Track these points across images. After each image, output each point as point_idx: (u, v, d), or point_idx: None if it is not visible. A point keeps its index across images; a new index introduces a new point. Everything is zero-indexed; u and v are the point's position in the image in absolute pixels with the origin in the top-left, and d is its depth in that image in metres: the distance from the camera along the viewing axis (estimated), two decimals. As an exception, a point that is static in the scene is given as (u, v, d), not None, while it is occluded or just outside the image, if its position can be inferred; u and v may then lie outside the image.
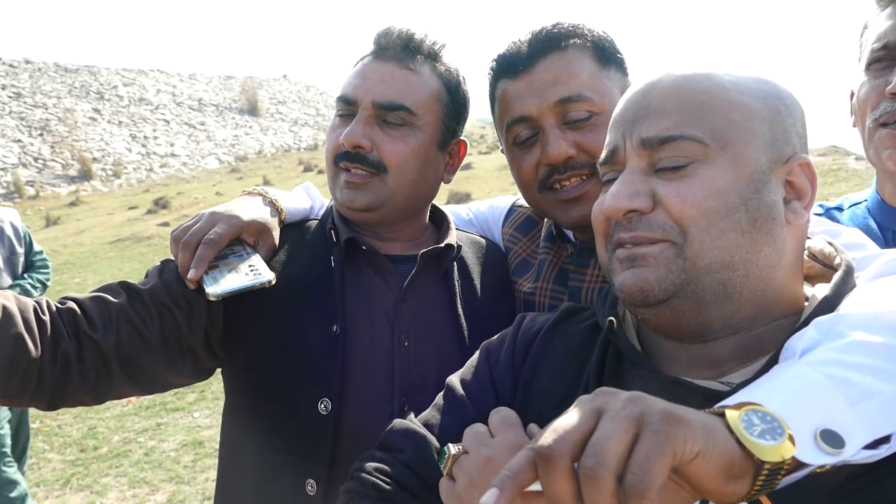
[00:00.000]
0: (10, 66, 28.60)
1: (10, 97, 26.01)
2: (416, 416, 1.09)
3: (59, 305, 1.20)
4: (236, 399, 1.39)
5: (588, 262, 1.39)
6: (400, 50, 1.36)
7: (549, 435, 0.60)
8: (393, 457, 1.01)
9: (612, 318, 0.96)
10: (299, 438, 1.27)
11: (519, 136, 1.33)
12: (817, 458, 0.62)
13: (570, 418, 0.62)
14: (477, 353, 1.13)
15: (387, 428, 1.06)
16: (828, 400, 0.66)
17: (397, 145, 1.32)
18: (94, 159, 24.04)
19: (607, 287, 1.05)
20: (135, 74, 32.93)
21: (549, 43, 1.29)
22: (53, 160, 23.20)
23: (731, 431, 0.62)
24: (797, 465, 0.63)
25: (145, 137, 27.06)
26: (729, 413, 0.63)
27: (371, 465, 1.01)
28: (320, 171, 22.16)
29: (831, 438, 0.63)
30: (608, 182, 0.93)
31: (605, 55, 1.32)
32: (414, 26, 1.39)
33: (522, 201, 1.67)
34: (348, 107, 1.36)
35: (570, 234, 1.46)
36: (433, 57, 1.39)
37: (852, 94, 1.37)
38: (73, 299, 1.22)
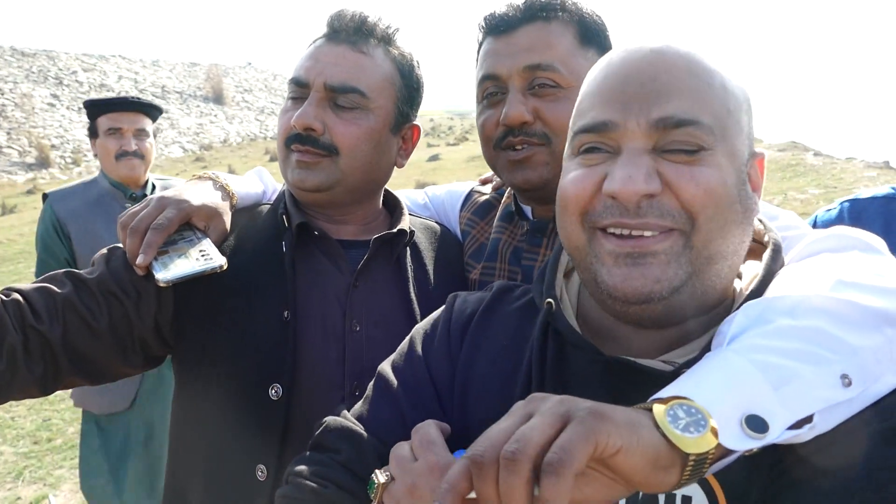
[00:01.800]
0: (-36, 48, 27.70)
1: (-37, 81, 25.20)
2: (344, 411, 1.05)
3: (4, 297, 1.15)
4: (186, 386, 1.36)
5: (541, 241, 1.40)
6: (353, 33, 1.34)
7: (481, 443, 0.62)
8: (329, 457, 0.97)
9: (550, 301, 0.94)
10: (250, 424, 1.25)
11: (487, 90, 1.36)
12: (743, 443, 0.65)
13: (501, 424, 0.64)
14: (408, 337, 1.09)
15: (320, 425, 1.02)
16: (752, 386, 0.68)
17: (349, 128, 1.31)
18: (53, 146, 23.46)
19: (543, 266, 1.02)
20: (95, 60, 32.16)
21: (535, 11, 1.31)
22: (10, 147, 22.57)
23: (657, 426, 0.64)
24: (726, 451, 0.66)
25: (106, 124, 26.47)
26: (656, 408, 0.66)
27: (307, 468, 0.97)
28: (286, 161, 21.88)
29: (756, 423, 0.65)
30: (587, 152, 0.86)
31: (589, 34, 1.33)
32: (367, 9, 1.38)
33: (480, 187, 1.67)
34: (300, 89, 1.34)
35: (528, 211, 1.46)
36: (386, 41, 1.38)
37: None
38: (18, 290, 1.18)
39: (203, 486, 1.30)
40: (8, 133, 23.22)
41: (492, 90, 1.35)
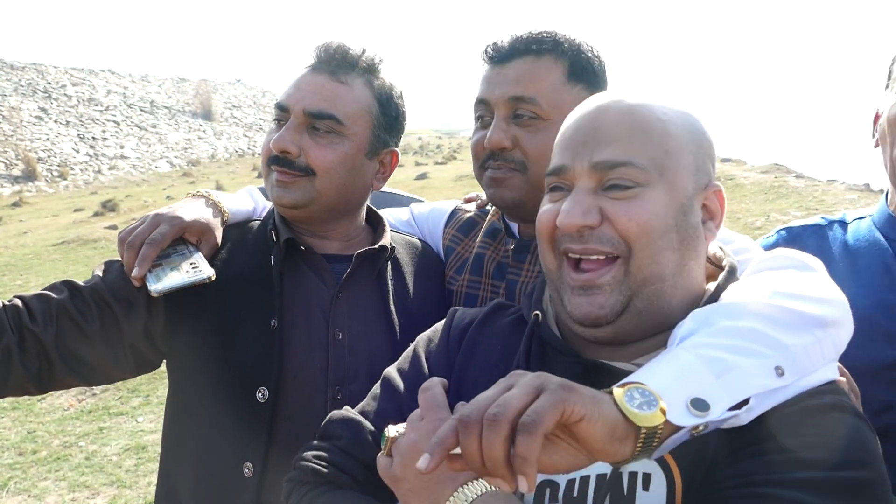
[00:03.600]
0: (-48, 61, 27.66)
1: (-49, 93, 25.15)
2: (352, 406, 1.19)
3: (6, 303, 1.28)
4: (179, 390, 1.46)
5: (525, 258, 1.51)
6: (334, 63, 1.45)
7: (468, 406, 0.76)
8: (331, 444, 1.11)
9: (537, 312, 1.09)
10: (238, 424, 1.35)
11: (478, 113, 1.49)
12: (689, 420, 0.78)
13: (486, 393, 0.77)
14: (412, 345, 1.22)
15: (325, 419, 1.16)
16: (698, 375, 0.82)
17: (324, 152, 1.41)
18: (40, 159, 23.42)
19: (533, 284, 1.18)
20: (84, 74, 32.20)
21: (527, 45, 1.43)
22: (-4, 159, 22.48)
23: (616, 404, 0.77)
24: (674, 428, 0.79)
25: (94, 138, 26.49)
26: (616, 390, 0.79)
27: (310, 453, 1.11)
28: (274, 177, 21.91)
29: (700, 405, 0.79)
30: (553, 190, 1.04)
31: (579, 71, 1.44)
32: (352, 41, 1.49)
33: (464, 205, 1.77)
34: (283, 113, 1.45)
35: (515, 229, 1.57)
36: (368, 71, 1.49)
37: (877, 117, 1.46)
38: (20, 297, 1.31)
39: (193, 482, 1.39)
40: (-5, 146, 23.15)
41: (481, 114, 1.47)
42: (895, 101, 1.39)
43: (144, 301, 1.36)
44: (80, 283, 1.37)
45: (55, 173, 23.31)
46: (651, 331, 1.00)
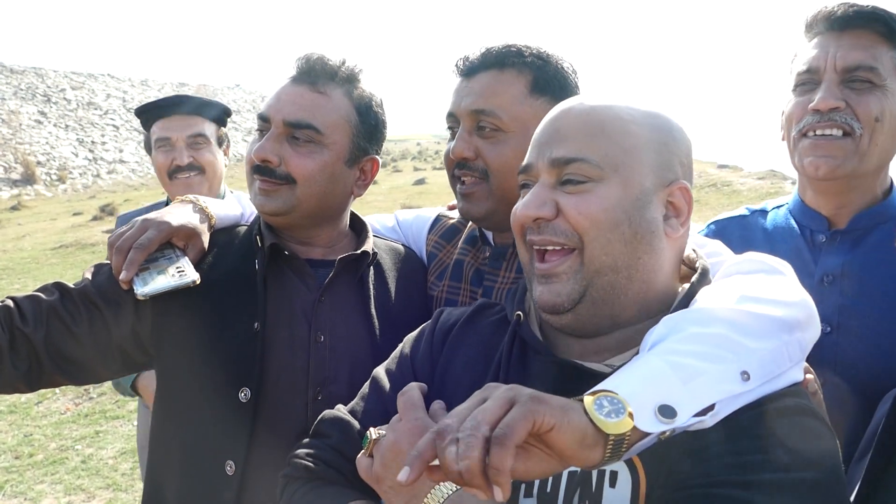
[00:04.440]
0: (-48, 65, 27.70)
1: (-50, 97, 25.18)
2: (339, 405, 1.24)
3: None
4: (165, 391, 1.50)
5: (501, 265, 1.55)
6: (313, 74, 1.50)
7: (445, 420, 0.80)
8: (322, 442, 1.17)
9: (519, 313, 1.14)
10: (221, 423, 1.40)
11: (448, 125, 1.55)
12: (656, 426, 0.82)
13: (462, 406, 0.82)
14: (400, 345, 1.28)
15: (318, 418, 1.22)
16: (665, 381, 0.85)
17: (303, 160, 1.46)
18: (39, 163, 23.44)
19: (515, 286, 1.23)
20: (84, 78, 32.24)
21: (491, 59, 1.48)
22: (-5, 163, 22.51)
23: (585, 412, 0.81)
24: (642, 435, 0.82)
25: (93, 143, 26.54)
26: (586, 398, 0.83)
27: (303, 451, 1.17)
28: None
29: (667, 411, 0.83)
30: (523, 187, 1.10)
31: (543, 84, 1.47)
32: (332, 52, 1.53)
33: (448, 212, 1.81)
34: (264, 123, 1.50)
35: (490, 237, 1.61)
36: (348, 81, 1.53)
37: (783, 114, 1.59)
38: (12, 298, 1.36)
39: (178, 479, 1.44)
40: (-6, 150, 23.17)
41: (451, 125, 1.53)
42: (791, 99, 1.53)
43: (132, 304, 1.41)
44: (71, 285, 1.42)
45: (54, 177, 23.34)
46: (610, 321, 1.05)
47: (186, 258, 1.45)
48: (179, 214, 1.51)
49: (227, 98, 38.23)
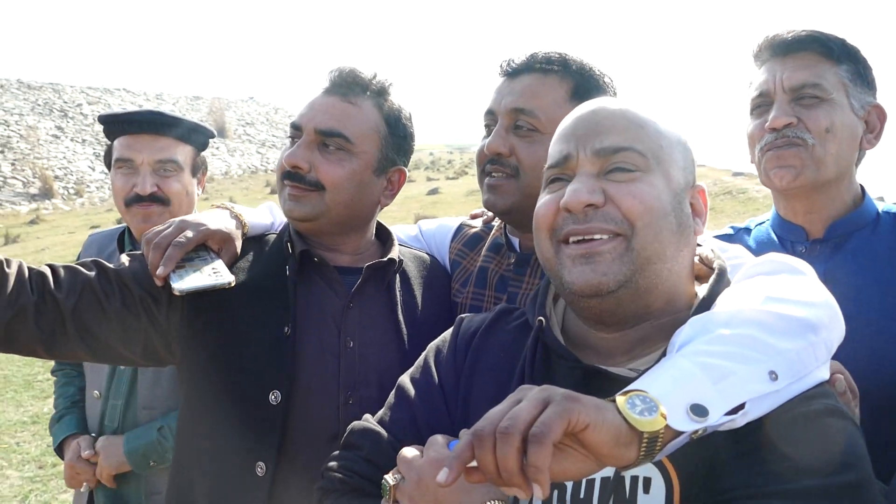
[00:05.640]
0: (-28, 82, 28.15)
1: (-30, 113, 25.57)
2: (363, 411, 1.27)
3: (33, 267, 1.38)
4: (192, 392, 1.54)
5: (525, 271, 1.59)
6: (345, 86, 1.55)
7: (481, 421, 0.82)
8: (354, 453, 1.19)
9: (541, 318, 1.15)
10: (251, 426, 1.44)
11: (485, 122, 1.60)
12: (688, 425, 0.84)
13: (497, 408, 0.84)
14: (423, 354, 1.30)
15: (347, 430, 1.24)
16: (696, 381, 0.87)
17: (333, 168, 1.51)
18: (56, 177, 23.72)
19: (535, 291, 1.24)
20: (100, 93, 32.64)
21: (535, 63, 1.54)
22: (14, 178, 22.82)
23: (619, 411, 0.83)
24: (675, 433, 0.84)
25: (109, 156, 26.77)
26: (618, 398, 0.85)
27: (336, 463, 1.19)
28: (287, 193, 22.06)
29: (699, 410, 0.84)
30: (554, 181, 1.11)
31: (582, 93, 1.52)
32: (363, 65, 1.58)
33: (470, 221, 1.85)
34: (296, 132, 1.56)
35: (516, 244, 1.64)
36: (378, 93, 1.58)
37: (747, 137, 1.68)
38: (50, 265, 1.41)
39: (207, 481, 1.47)
40: (13, 164, 23.51)
41: (488, 122, 1.58)
42: (750, 122, 1.64)
43: (165, 298, 1.45)
44: (109, 265, 1.46)
45: (71, 191, 23.60)
46: (643, 311, 1.06)
47: (221, 261, 1.49)
48: (216, 219, 1.56)
49: (241, 110, 38.56)
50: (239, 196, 21.37)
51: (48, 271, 1.38)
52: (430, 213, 14.36)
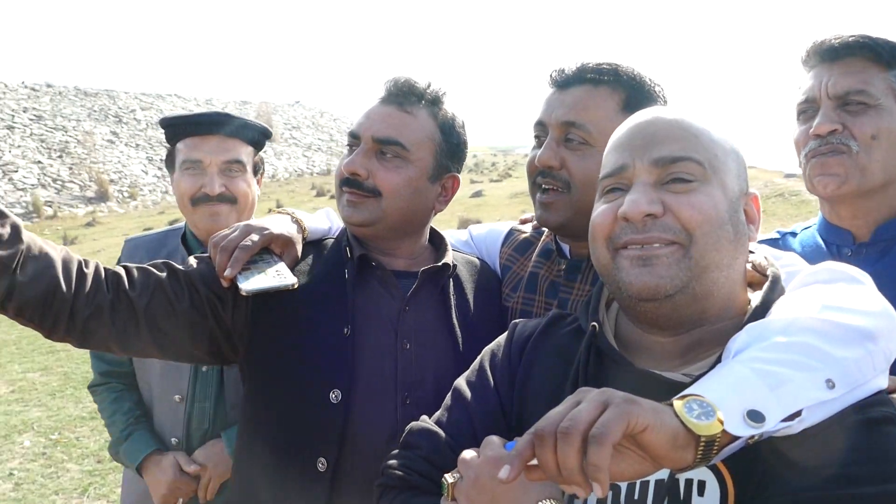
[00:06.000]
0: (32, 89, 29.27)
1: (31, 119, 26.60)
2: (420, 412, 1.31)
3: (109, 268, 1.44)
4: (256, 387, 1.60)
5: (576, 278, 1.60)
6: (401, 95, 1.60)
7: (542, 422, 0.85)
8: (413, 453, 1.23)
9: (594, 324, 1.16)
10: (312, 423, 1.48)
11: (535, 133, 1.60)
12: (745, 430, 0.84)
13: (557, 409, 0.86)
14: (479, 357, 1.33)
15: (406, 430, 1.28)
16: (752, 388, 0.88)
17: (390, 174, 1.56)
18: (111, 181, 24.48)
19: (588, 297, 1.26)
20: (152, 99, 33.58)
21: (586, 75, 1.54)
22: (72, 181, 23.64)
23: (676, 415, 0.84)
24: (731, 438, 0.85)
25: (161, 160, 27.50)
26: (675, 402, 0.86)
27: (396, 462, 1.23)
28: (332, 197, 22.41)
29: (755, 416, 0.85)
30: (610, 192, 1.12)
31: (634, 104, 1.51)
32: (418, 74, 1.63)
33: (520, 226, 1.86)
34: (354, 140, 1.61)
35: (566, 250, 1.65)
36: (433, 102, 1.63)
37: (794, 143, 1.67)
38: (125, 266, 1.48)
39: (269, 473, 1.53)
40: (70, 168, 24.35)
41: (538, 134, 1.59)
42: (797, 128, 1.62)
43: (231, 299, 1.51)
44: (179, 266, 1.52)
45: (125, 194, 24.32)
46: (699, 317, 1.07)
47: (283, 263, 1.55)
48: (279, 223, 1.62)
49: (287, 114, 39.20)
50: (285, 199, 21.74)
51: (122, 272, 1.45)
52: (474, 216, 14.38)
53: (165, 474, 2.05)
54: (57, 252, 1.34)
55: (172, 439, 2.12)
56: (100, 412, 2.26)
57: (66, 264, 1.34)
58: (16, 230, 1.25)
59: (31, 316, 1.30)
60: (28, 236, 1.28)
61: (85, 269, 1.38)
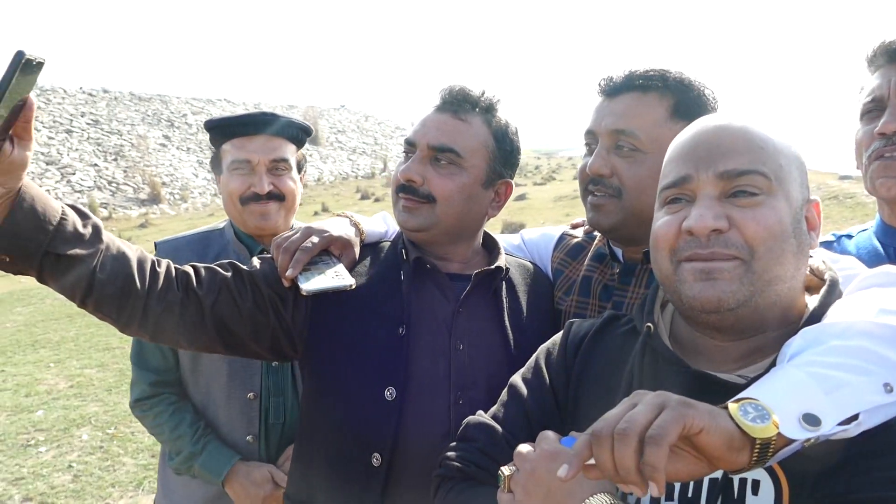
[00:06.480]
0: (89, 94, 30.30)
1: (88, 124, 27.53)
2: (473, 412, 1.34)
3: (179, 267, 1.51)
4: (314, 385, 1.65)
5: (630, 281, 1.61)
6: (456, 103, 1.63)
7: (600, 423, 0.87)
8: (470, 445, 1.26)
9: (649, 325, 1.17)
10: (368, 418, 1.53)
11: (585, 141, 1.61)
12: (801, 434, 0.85)
13: (614, 411, 0.88)
14: (535, 355, 1.35)
15: (463, 423, 1.31)
16: (808, 391, 0.88)
17: (445, 181, 1.59)
18: (164, 184, 25.16)
19: (643, 298, 1.27)
20: (203, 103, 34.39)
21: (635, 82, 1.53)
22: (126, 184, 24.38)
23: (731, 417, 0.85)
24: (787, 441, 0.85)
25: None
26: (730, 405, 0.87)
27: (454, 454, 1.26)
28: (377, 199, 22.66)
29: (811, 419, 0.85)
30: (671, 202, 1.11)
31: (683, 110, 1.51)
32: (472, 82, 1.65)
33: (571, 230, 1.88)
34: (410, 147, 1.65)
35: (620, 254, 1.66)
36: (486, 110, 1.65)
37: (855, 143, 1.64)
38: (193, 266, 1.54)
39: (326, 468, 1.57)
40: (125, 171, 25.11)
41: (588, 142, 1.60)
42: (860, 128, 1.58)
43: (292, 298, 1.57)
44: (244, 267, 1.58)
45: (177, 196, 24.96)
46: (760, 325, 1.06)
47: (342, 265, 1.60)
48: (338, 226, 1.67)
49: (332, 119, 39.68)
50: (331, 202, 22.02)
51: (191, 271, 1.51)
52: (517, 219, 14.36)
53: (261, 488, 2.06)
54: (133, 252, 1.41)
55: (248, 437, 2.13)
56: (154, 427, 2.16)
57: (141, 263, 1.41)
58: (97, 231, 1.32)
59: (108, 311, 1.37)
60: (107, 236, 1.35)
61: (157, 269, 1.44)
